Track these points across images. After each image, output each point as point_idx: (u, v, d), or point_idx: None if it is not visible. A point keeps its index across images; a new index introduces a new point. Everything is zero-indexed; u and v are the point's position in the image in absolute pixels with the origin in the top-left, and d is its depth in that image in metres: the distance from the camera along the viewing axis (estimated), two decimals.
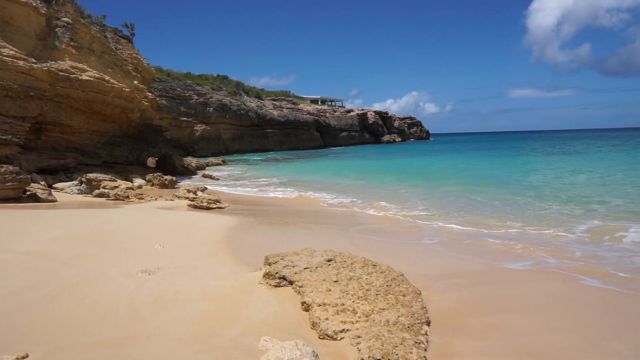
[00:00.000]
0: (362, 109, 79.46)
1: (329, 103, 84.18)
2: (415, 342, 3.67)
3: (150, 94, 24.05)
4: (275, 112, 60.33)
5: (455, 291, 5.17)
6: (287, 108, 63.80)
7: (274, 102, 63.38)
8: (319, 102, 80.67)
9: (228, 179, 22.09)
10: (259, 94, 63.44)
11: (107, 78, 17.90)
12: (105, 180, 13.98)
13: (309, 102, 76.38)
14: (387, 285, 4.78)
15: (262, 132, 57.75)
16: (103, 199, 12.47)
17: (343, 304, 4.15)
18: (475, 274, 5.85)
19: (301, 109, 66.36)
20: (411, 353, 3.48)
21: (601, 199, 11.95)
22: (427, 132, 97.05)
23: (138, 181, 16.99)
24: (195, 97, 48.95)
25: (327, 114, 70.35)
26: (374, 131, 78.51)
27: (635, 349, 3.72)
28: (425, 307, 4.49)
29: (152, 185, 17.22)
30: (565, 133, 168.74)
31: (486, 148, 53.43)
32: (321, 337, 3.82)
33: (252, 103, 57.91)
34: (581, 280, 5.59)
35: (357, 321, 3.95)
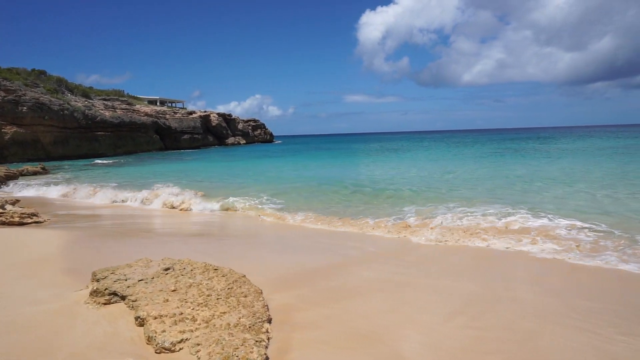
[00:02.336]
0: (205, 111, 77.31)
1: (169, 104, 79.79)
2: (257, 341, 3.74)
3: None
4: (107, 113, 54.75)
5: (295, 287, 5.41)
6: (122, 109, 58.47)
7: (106, 102, 57.48)
8: (158, 103, 75.86)
9: (49, 189, 19.26)
10: (86, 93, 56.78)
11: None
12: None
13: (146, 102, 71.22)
14: (228, 288, 4.76)
15: (92, 134, 51.81)
16: None
17: (182, 313, 4.00)
18: (314, 269, 6.21)
19: (138, 110, 61.51)
20: (252, 352, 3.53)
21: (438, 191, 13.79)
22: (271, 134, 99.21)
23: None
24: (3, 93, 41.44)
25: (167, 116, 66.62)
26: (217, 133, 77.10)
27: (439, 316, 4.41)
28: (266, 306, 4.59)
29: None
30: (391, 135, 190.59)
31: (326, 148, 57.27)
32: (158, 351, 3.61)
33: (78, 102, 51.47)
34: (400, 266, 6.39)
35: (197, 329, 3.84)
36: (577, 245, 6.95)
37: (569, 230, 7.93)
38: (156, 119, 62.71)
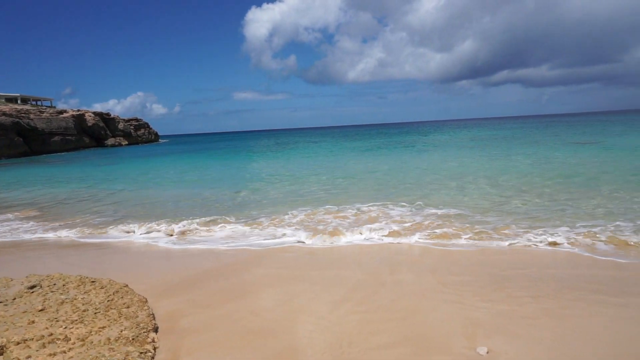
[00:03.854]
0: (79, 110, 70.18)
1: (34, 102, 70.97)
2: (141, 353, 3.53)
3: None
4: None
5: (184, 291, 5.20)
6: None
7: None
8: (19, 101, 67.00)
9: None
10: None
11: None
12: None
13: (3, 100, 62.49)
14: (108, 301, 4.42)
15: None
16: None
17: (52, 334, 3.61)
18: (204, 271, 6.03)
19: None
20: None
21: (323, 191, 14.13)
22: (156, 134, 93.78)
23: None
24: None
25: (32, 116, 59.11)
26: (95, 134, 70.56)
27: (328, 305, 4.59)
28: (152, 314, 4.36)
29: None
30: (282, 132, 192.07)
31: (213, 148, 55.44)
32: None
33: None
34: (290, 260, 6.51)
35: (70, 349, 3.50)
36: (431, 229, 7.73)
37: (440, 217, 8.78)
38: (18, 119, 55.34)
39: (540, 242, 6.63)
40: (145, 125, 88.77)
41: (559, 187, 11.33)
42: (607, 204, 8.87)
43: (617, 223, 7.30)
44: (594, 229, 7.01)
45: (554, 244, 6.52)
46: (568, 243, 6.50)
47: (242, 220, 9.31)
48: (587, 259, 5.89)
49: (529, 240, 6.75)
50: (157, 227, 9.02)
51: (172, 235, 8.47)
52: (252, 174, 20.23)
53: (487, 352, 3.53)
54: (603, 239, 6.56)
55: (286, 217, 9.38)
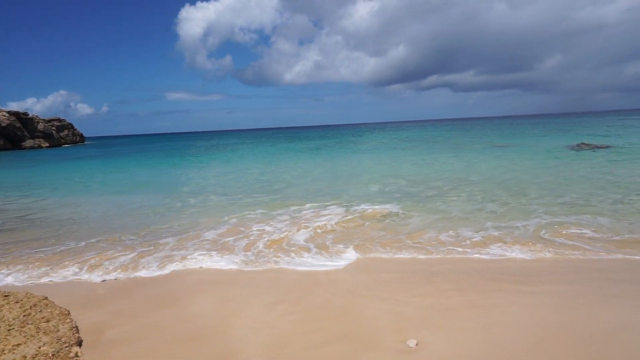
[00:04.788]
0: None
1: None
2: None
3: None
4: None
5: (110, 301, 4.95)
6: None
7: None
8: None
9: None
10: None
11: None
12: None
13: None
14: (24, 316, 4.11)
15: None
16: None
17: None
18: (132, 279, 5.77)
19: None
20: None
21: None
22: (82, 136, 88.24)
23: None
24: None
25: None
26: (10, 135, 64.95)
27: (263, 307, 4.58)
28: (75, 327, 4.10)
29: None
30: (216, 133, 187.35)
31: (147, 150, 52.88)
32: None
33: None
34: (224, 263, 6.40)
35: None
36: (366, 229, 7.98)
37: (371, 218, 9.05)
38: None
39: (465, 239, 7.04)
40: (69, 126, 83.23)
41: (480, 188, 12.08)
42: (520, 204, 9.60)
43: (528, 221, 7.93)
44: (509, 227, 7.58)
45: (475, 243, 6.95)
46: (485, 239, 6.96)
47: (146, 239, 7.95)
48: (504, 253, 6.34)
49: (453, 237, 7.15)
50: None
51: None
52: (180, 179, 18.88)
53: (417, 345, 3.70)
54: (517, 234, 7.10)
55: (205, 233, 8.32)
